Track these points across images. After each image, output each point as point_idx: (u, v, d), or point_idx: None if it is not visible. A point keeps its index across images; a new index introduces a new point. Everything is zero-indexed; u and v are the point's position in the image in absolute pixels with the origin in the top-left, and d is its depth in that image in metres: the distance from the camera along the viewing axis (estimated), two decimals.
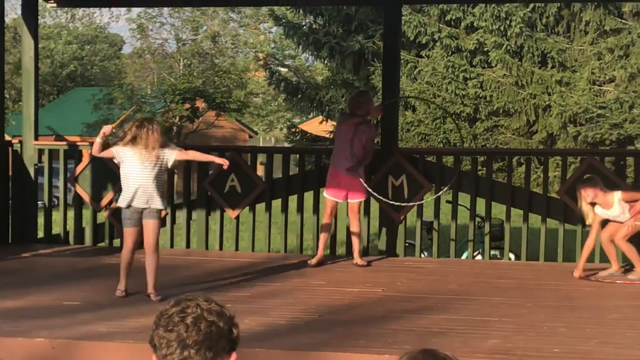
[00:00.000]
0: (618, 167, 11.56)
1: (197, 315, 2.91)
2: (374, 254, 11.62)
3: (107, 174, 11.80)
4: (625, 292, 9.10)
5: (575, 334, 7.22)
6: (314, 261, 10.45)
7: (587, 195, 9.52)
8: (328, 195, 10.54)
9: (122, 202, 8.49)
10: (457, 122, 32.56)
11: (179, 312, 2.92)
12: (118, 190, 11.83)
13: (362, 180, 10.34)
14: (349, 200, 10.52)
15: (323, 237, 10.67)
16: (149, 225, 8.48)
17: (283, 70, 45.58)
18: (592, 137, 31.19)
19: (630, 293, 9.04)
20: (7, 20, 38.32)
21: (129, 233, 8.56)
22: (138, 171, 8.36)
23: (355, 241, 10.61)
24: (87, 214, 12.25)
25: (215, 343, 2.91)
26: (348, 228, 10.85)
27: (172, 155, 8.49)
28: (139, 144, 8.30)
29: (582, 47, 33.48)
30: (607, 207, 9.52)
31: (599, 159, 11.26)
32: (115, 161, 8.55)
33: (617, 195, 9.50)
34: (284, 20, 37.62)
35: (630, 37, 32.46)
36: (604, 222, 9.72)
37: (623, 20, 33.03)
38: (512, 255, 11.88)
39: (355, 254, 10.58)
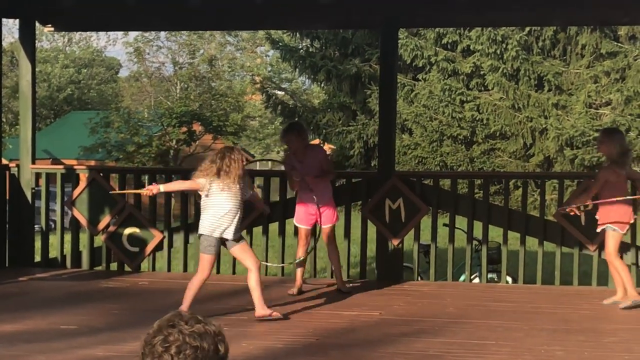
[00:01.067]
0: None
1: (180, 343, 2.88)
2: (371, 277, 11.62)
3: (104, 198, 11.80)
4: (622, 314, 9.09)
5: (572, 358, 7.21)
6: (294, 290, 10.24)
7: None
8: (298, 224, 10.35)
9: (206, 230, 8.59)
10: None
11: (162, 342, 2.90)
12: (115, 213, 11.86)
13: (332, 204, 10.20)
14: (321, 226, 10.26)
15: (300, 266, 10.39)
16: (240, 248, 8.70)
17: (280, 93, 45.68)
18: (589, 160, 31.23)
19: (627, 316, 9.03)
20: (5, 44, 38.39)
21: (211, 261, 8.69)
22: (224, 201, 8.51)
23: (335, 267, 10.47)
24: (84, 237, 12.24)
25: None
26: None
27: (247, 192, 8.78)
28: (224, 175, 8.43)
29: (578, 71, 33.58)
30: None
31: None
32: (202, 193, 8.62)
33: None
34: (280, 44, 37.72)
35: (626, 60, 32.56)
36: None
37: (619, 44, 33.13)
38: (509, 279, 11.88)
39: (338, 279, 10.45)
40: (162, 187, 8.77)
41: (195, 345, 2.88)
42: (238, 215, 8.62)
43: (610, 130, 10.84)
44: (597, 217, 9.68)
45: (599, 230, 9.68)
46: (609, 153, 9.52)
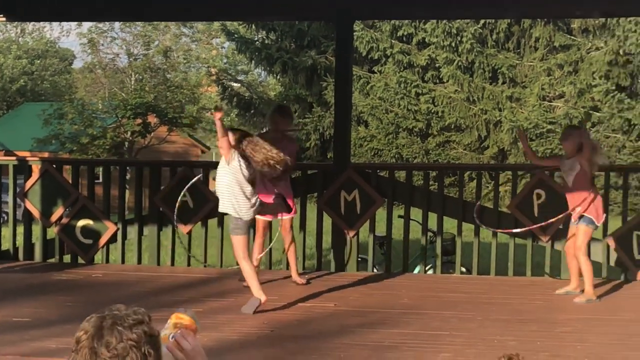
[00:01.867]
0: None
1: (122, 349, 2.88)
2: (327, 269, 11.63)
3: (57, 190, 11.71)
4: (575, 305, 9.16)
5: (525, 348, 7.26)
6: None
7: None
8: (257, 215, 10.15)
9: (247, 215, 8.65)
10: None
11: (105, 346, 2.89)
12: (68, 205, 11.77)
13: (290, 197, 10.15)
14: (279, 217, 10.19)
15: (255, 257, 10.28)
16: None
17: (236, 85, 45.54)
18: (543, 152, 31.47)
19: (580, 306, 9.10)
20: None
21: (246, 241, 8.72)
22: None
23: (291, 259, 10.37)
24: (37, 229, 12.14)
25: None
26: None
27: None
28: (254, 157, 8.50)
29: (532, 63, 33.83)
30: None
31: (549, 173, 11.35)
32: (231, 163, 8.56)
33: None
34: (236, 36, 37.65)
35: (579, 53, 32.86)
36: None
37: (572, 37, 33.42)
38: (463, 269, 11.94)
39: (293, 272, 10.36)
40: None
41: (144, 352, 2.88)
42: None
43: (572, 128, 11.00)
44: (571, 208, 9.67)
45: (574, 221, 9.66)
46: (571, 149, 9.58)
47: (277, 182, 9.96)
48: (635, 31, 31.13)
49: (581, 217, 9.41)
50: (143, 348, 2.90)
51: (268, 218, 10.25)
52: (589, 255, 10.13)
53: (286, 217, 10.16)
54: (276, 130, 10.15)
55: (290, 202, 10.14)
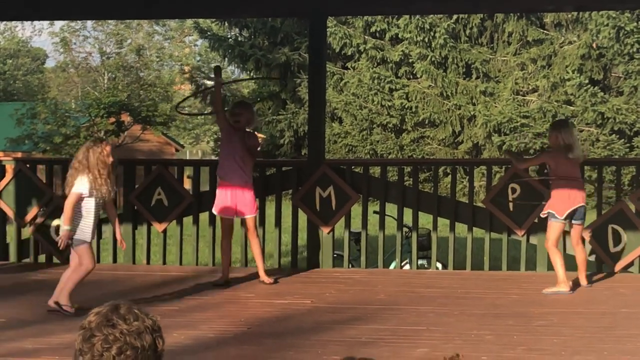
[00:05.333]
0: (542, 176, 11.71)
1: (121, 344, 2.87)
2: (303, 266, 11.62)
3: (31, 190, 11.66)
4: (551, 299, 9.21)
5: (502, 342, 7.29)
6: (220, 281, 10.07)
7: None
8: (219, 214, 10.14)
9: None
10: None
11: (103, 342, 2.87)
12: (43, 205, 11.71)
13: (253, 195, 10.09)
14: (242, 217, 10.11)
15: (225, 257, 10.22)
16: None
17: (209, 83, 45.40)
18: (517, 147, 31.57)
19: (556, 300, 9.15)
20: None
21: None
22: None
23: (257, 259, 10.19)
24: (11, 229, 12.08)
25: None
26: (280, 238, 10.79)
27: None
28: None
29: (505, 58, 33.93)
30: None
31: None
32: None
33: None
34: (209, 33, 37.57)
35: (552, 47, 32.98)
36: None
37: (545, 31, 33.53)
38: (439, 265, 11.96)
39: (260, 271, 10.16)
40: (66, 225, 8.32)
41: (136, 346, 2.87)
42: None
43: (557, 123, 11.10)
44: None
45: (542, 215, 9.75)
46: (555, 144, 9.65)
47: (244, 170, 9.91)
48: (607, 25, 31.28)
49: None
50: (155, 335, 2.92)
51: (231, 216, 10.12)
52: (564, 249, 10.21)
53: (248, 216, 10.08)
54: (242, 124, 10.08)
55: (253, 199, 10.07)
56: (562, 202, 9.52)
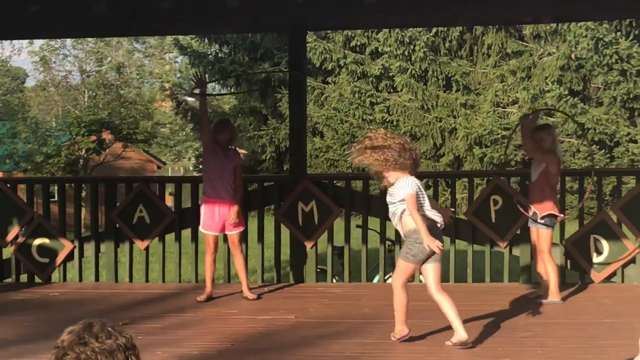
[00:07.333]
0: (524, 187, 11.73)
1: None
2: (286, 281, 11.60)
3: (12, 209, 11.60)
4: (534, 310, 9.20)
5: (486, 354, 7.29)
6: (203, 297, 10.02)
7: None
8: (206, 230, 10.10)
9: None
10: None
11: None
12: (24, 224, 11.65)
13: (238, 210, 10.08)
14: (227, 232, 10.14)
15: (209, 273, 10.16)
16: None
17: (190, 99, 45.39)
18: (498, 159, 31.67)
19: (539, 311, 9.14)
20: None
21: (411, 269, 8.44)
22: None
23: (241, 274, 10.19)
24: None
25: None
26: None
27: None
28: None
29: (485, 70, 34.05)
30: None
31: (505, 179, 11.43)
32: None
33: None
34: (189, 50, 37.56)
35: (531, 58, 33.13)
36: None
37: (524, 43, 33.69)
38: (422, 278, 11.93)
39: (244, 287, 10.16)
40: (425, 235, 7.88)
41: None
42: None
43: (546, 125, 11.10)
44: (532, 209, 9.69)
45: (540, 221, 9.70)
46: (552, 145, 9.71)
47: (231, 188, 9.95)
48: (586, 36, 31.44)
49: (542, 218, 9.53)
50: (129, 352, 2.89)
51: (217, 232, 10.13)
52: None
53: (234, 232, 10.09)
54: (223, 141, 10.12)
55: (239, 214, 10.10)
56: (555, 205, 9.53)
